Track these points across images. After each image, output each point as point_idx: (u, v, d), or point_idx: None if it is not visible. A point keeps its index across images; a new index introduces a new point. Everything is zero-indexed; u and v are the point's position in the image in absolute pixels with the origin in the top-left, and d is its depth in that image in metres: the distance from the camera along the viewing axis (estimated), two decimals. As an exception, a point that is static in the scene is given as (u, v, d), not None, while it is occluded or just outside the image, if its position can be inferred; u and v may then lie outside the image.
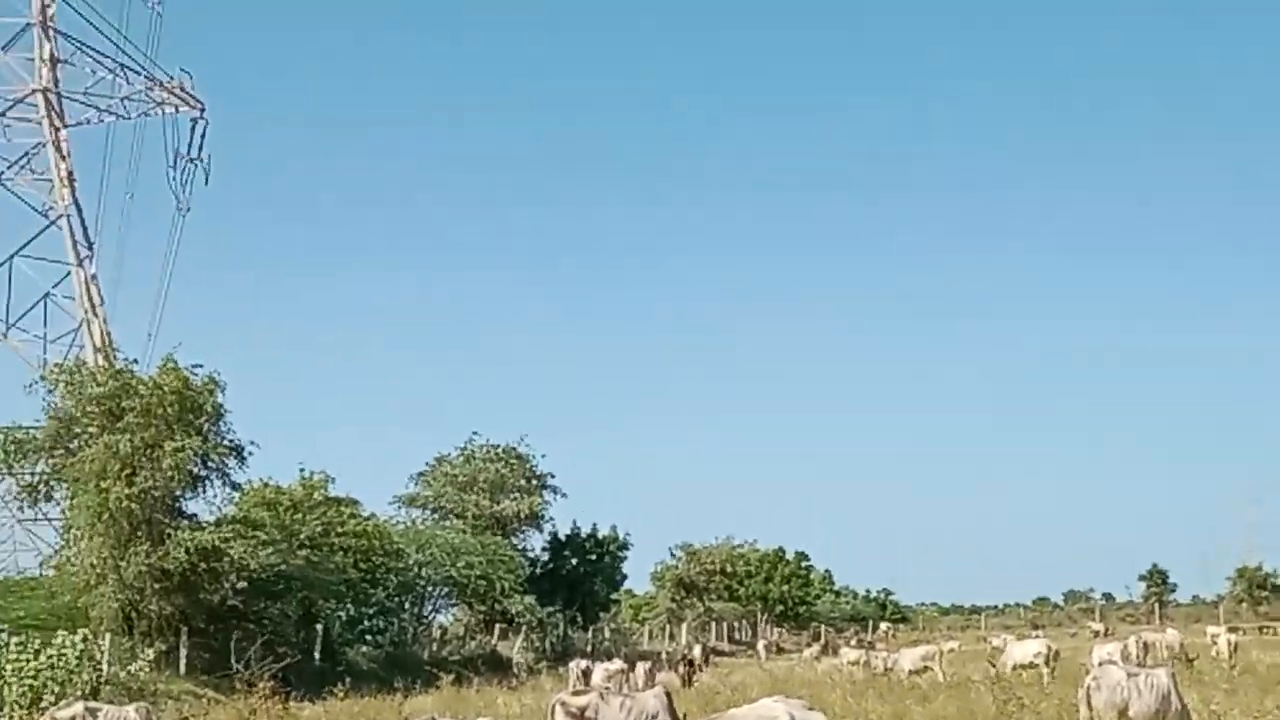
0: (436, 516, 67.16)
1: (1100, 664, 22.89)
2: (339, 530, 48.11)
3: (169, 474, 39.83)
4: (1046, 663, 34.90)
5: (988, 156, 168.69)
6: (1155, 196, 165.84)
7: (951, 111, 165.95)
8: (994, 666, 33.71)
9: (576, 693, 18.21)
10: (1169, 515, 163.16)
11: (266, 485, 47.27)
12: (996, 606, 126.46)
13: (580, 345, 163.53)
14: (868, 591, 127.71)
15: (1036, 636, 48.28)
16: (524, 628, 60.88)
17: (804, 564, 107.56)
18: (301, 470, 49.41)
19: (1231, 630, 50.02)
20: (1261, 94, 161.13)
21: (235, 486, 44.35)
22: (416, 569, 55.54)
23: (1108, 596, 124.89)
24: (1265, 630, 71.37)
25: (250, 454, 44.10)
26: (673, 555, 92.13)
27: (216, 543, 39.73)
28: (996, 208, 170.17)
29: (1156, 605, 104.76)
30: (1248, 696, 23.18)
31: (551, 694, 30.26)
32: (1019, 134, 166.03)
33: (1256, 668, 33.91)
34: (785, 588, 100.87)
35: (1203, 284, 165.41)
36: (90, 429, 40.64)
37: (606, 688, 20.76)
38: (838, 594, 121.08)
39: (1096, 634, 66.88)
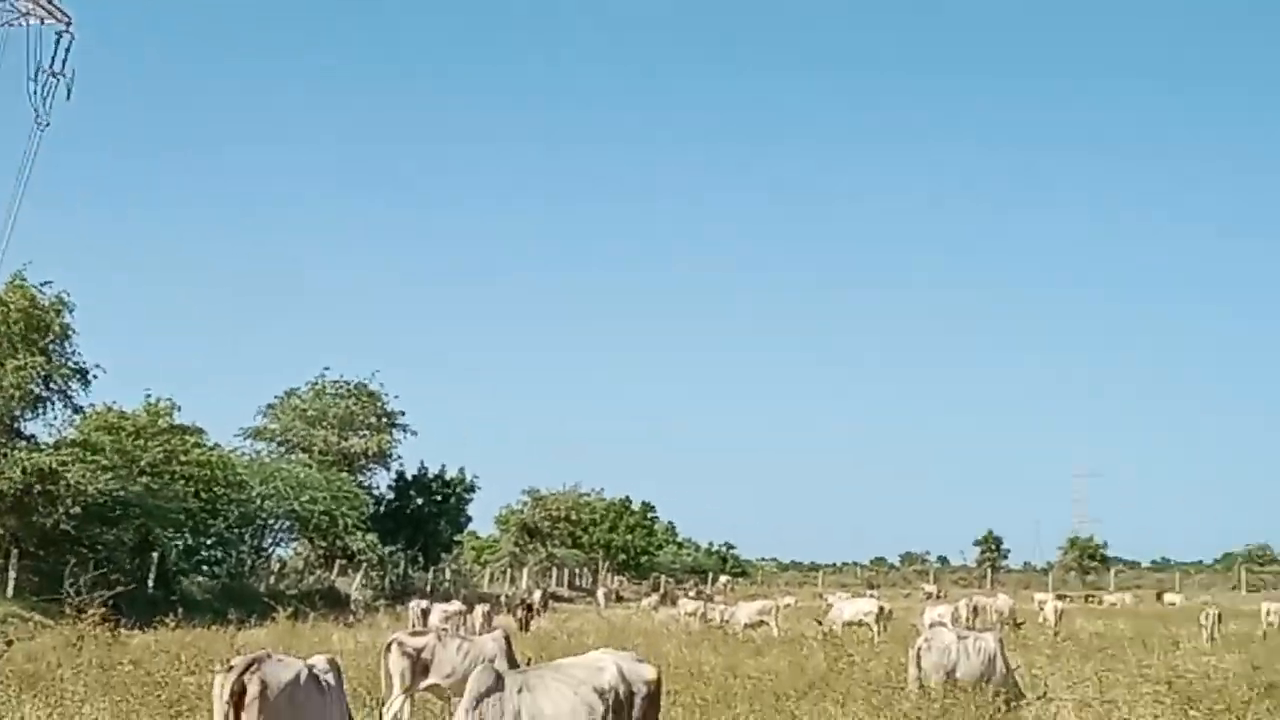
0: (283, 450, 66.46)
1: (931, 626, 23.45)
2: (181, 459, 47.38)
3: (9, 393, 39.11)
4: (876, 621, 35.63)
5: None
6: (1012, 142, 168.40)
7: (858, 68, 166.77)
8: (820, 624, 34.37)
9: (414, 633, 18.14)
10: (1005, 483, 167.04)
11: (109, 410, 46.42)
12: (834, 565, 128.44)
13: (439, 283, 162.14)
14: (710, 544, 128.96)
15: (868, 595, 49.09)
16: (364, 565, 60.61)
17: (649, 515, 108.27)
18: (147, 396, 48.58)
19: (1059, 598, 51.51)
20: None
21: (77, 409, 43.68)
22: (259, 501, 54.92)
23: (942, 560, 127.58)
24: (1091, 599, 73.42)
25: (95, 378, 43.50)
26: (519, 500, 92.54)
27: (54, 465, 39.01)
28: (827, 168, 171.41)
29: (989, 570, 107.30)
30: (1069, 662, 23.88)
31: (388, 632, 30.13)
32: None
33: (1080, 635, 34.89)
34: (629, 537, 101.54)
35: (1048, 254, 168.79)
36: (-72, 341, 39.68)
37: (444, 629, 20.74)
38: (680, 545, 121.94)
39: (929, 596, 68.40)
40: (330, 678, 10.09)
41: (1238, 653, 26.92)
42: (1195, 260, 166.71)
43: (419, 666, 16.65)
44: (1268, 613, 39.55)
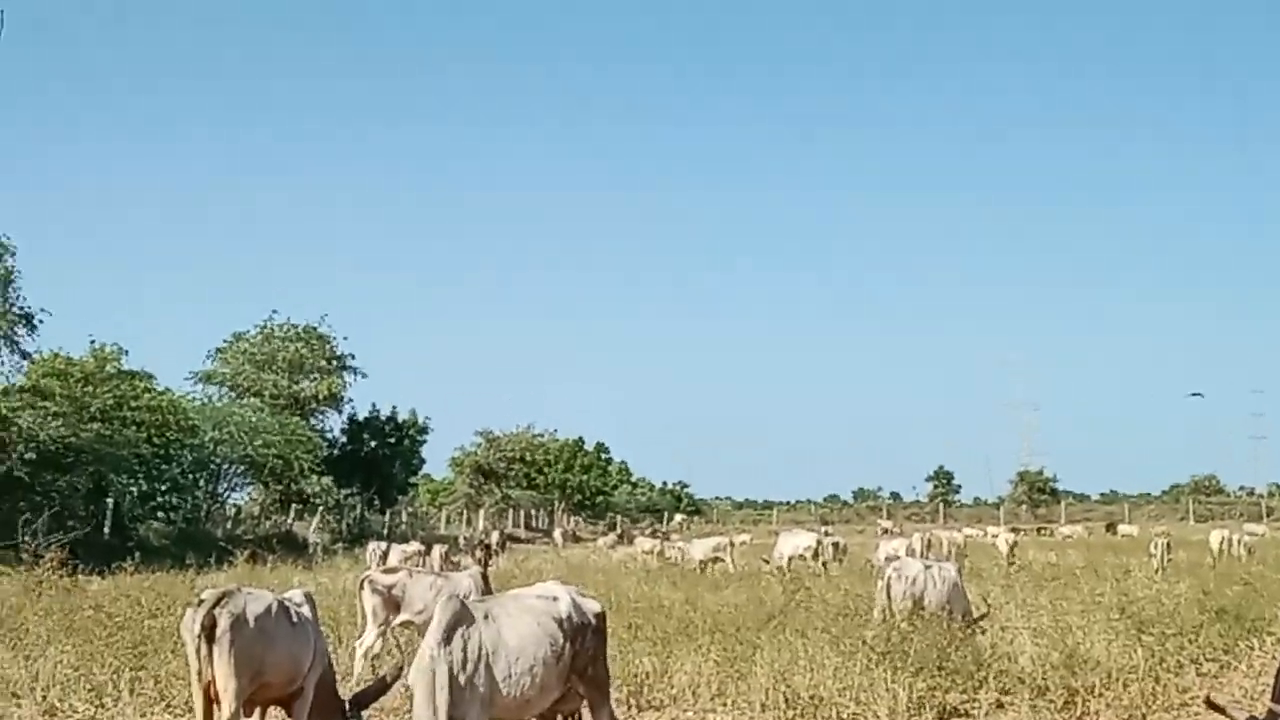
0: (233, 394, 66.08)
1: (887, 558, 23.78)
2: (132, 404, 47.00)
3: (-46, 339, 38.73)
4: (815, 556, 35.87)
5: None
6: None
7: None
8: (767, 562, 34.64)
9: (385, 571, 18.23)
10: (955, 419, 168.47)
11: (57, 356, 46.03)
12: (788, 503, 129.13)
13: (386, 222, 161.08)
14: (664, 484, 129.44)
15: (807, 531, 48.67)
16: (320, 509, 60.59)
17: (603, 455, 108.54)
18: (92, 342, 48.15)
19: (1012, 530, 52.02)
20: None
21: (25, 355, 43.32)
22: (212, 446, 54.64)
23: (895, 496, 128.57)
24: (1042, 531, 74.32)
25: (41, 322, 43.20)
26: (472, 441, 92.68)
27: (4, 411, 38.75)
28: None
29: (941, 505, 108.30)
30: (1023, 591, 24.14)
31: (348, 574, 30.24)
32: None
33: (1032, 566, 35.29)
34: (584, 477, 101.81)
35: (994, 183, 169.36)
36: None
37: (416, 568, 20.77)
38: (634, 485, 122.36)
39: (886, 531, 68.94)
40: (305, 610, 10.12)
41: (1188, 580, 27.31)
42: (1144, 182, 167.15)
43: (391, 603, 16.77)
44: (1220, 540, 40.06)
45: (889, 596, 17.50)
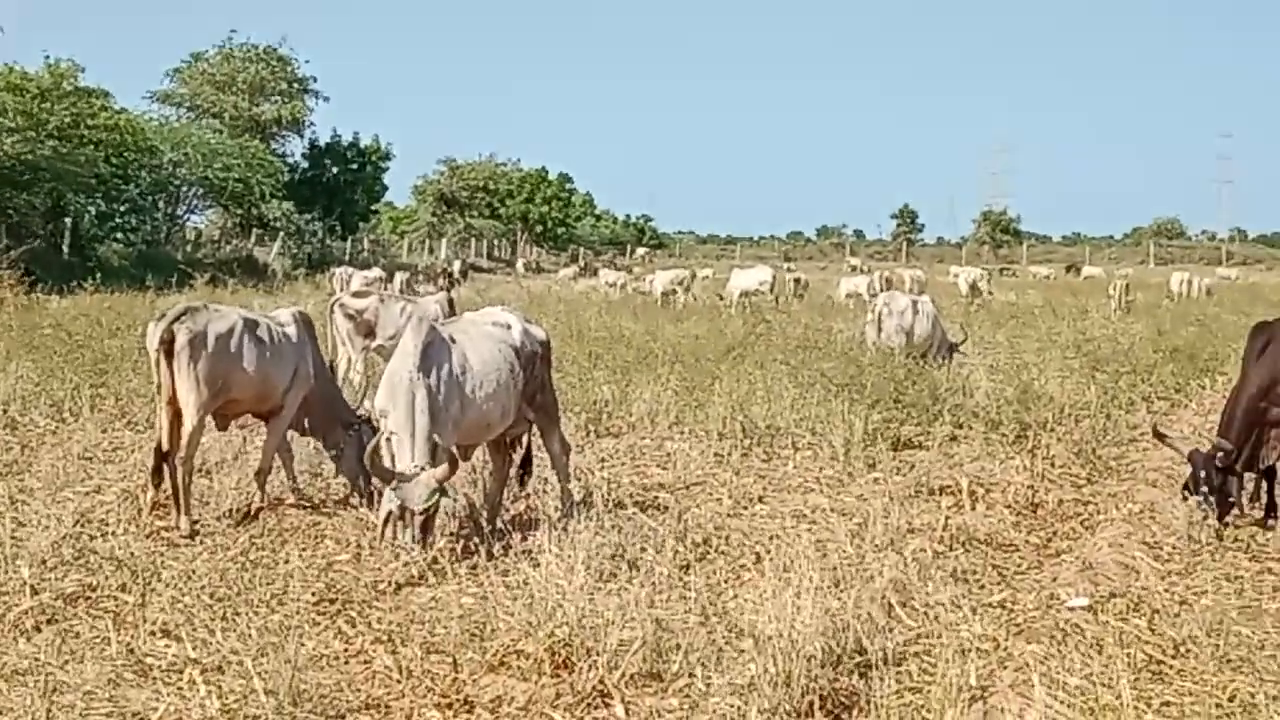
0: (192, 116, 64.97)
1: (848, 294, 23.92)
2: (89, 123, 46.09)
3: (-98, 48, 37.89)
4: (770, 290, 36.06)
5: None
6: None
7: None
8: (721, 298, 34.82)
9: (357, 294, 18.18)
10: (920, 157, 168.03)
11: (11, 70, 44.91)
12: (751, 239, 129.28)
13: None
14: (627, 216, 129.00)
15: (767, 265, 48.28)
16: (281, 234, 60.23)
17: (567, 186, 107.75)
18: (47, 58, 46.84)
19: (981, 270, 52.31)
20: None
21: (-24, 68, 42.48)
22: (171, 168, 53.98)
23: (858, 234, 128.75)
24: (1005, 272, 74.84)
25: (-5, 36, 42.19)
26: (435, 170, 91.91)
27: (-43, 125, 38.17)
28: None
29: (905, 244, 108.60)
30: (981, 329, 24.42)
31: (309, 300, 30.23)
32: None
33: (992, 305, 35.61)
34: (546, 208, 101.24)
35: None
36: None
37: (389, 293, 20.70)
38: (598, 218, 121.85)
39: (854, 269, 69.32)
40: (290, 330, 10.07)
41: (1145, 320, 27.64)
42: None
43: (362, 327, 16.74)
44: (1180, 283, 40.28)
45: (879, 331, 17.86)
